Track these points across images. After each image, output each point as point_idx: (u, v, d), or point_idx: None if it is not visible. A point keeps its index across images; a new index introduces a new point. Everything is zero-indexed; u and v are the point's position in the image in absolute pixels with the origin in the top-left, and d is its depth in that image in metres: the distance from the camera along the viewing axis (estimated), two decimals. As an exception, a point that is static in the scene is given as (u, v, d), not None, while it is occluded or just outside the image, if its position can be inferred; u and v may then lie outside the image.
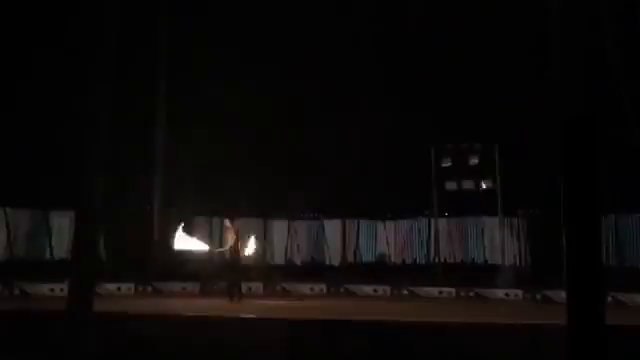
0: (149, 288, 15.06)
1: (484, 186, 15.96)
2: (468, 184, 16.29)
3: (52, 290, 13.12)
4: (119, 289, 14.51)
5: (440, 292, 15.53)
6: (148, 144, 16.49)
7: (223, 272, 13.41)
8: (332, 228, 18.06)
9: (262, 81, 16.05)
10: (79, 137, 5.99)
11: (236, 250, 12.73)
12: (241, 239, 12.90)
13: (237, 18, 16.27)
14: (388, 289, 15.96)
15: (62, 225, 15.67)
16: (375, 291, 16.00)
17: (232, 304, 12.03)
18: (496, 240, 16.45)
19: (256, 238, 13.82)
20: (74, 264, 5.75)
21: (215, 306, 11.57)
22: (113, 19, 5.98)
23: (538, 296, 14.39)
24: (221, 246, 13.39)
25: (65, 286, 5.76)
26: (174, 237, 12.61)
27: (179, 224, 12.78)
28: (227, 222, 13.21)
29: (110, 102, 5.98)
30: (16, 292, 13.40)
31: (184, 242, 12.65)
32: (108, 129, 6.00)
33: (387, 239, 17.84)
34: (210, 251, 13.76)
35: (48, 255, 15.69)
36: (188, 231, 13.04)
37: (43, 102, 14.49)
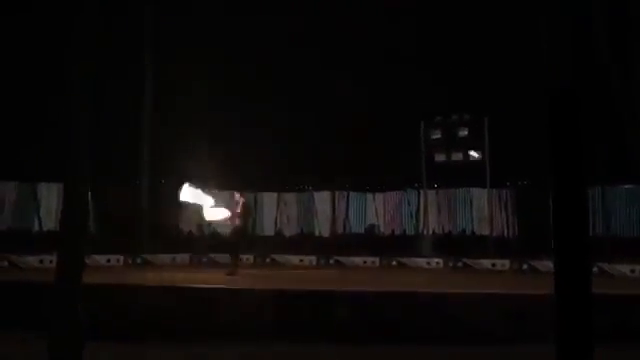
0: (138, 260, 15.06)
1: (475, 155, 16.01)
2: (457, 156, 16.35)
3: (41, 262, 13.09)
4: (108, 261, 14.51)
5: (428, 263, 15.68)
6: (136, 116, 16.34)
7: (228, 245, 12.72)
8: (322, 200, 18.09)
9: (248, 50, 15.90)
10: (66, 108, 5.90)
11: (243, 224, 12.41)
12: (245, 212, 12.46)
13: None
14: (377, 260, 16.09)
15: (50, 197, 15.60)
16: (364, 262, 16.12)
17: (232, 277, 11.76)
18: (484, 211, 16.57)
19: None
20: (62, 236, 5.70)
21: (207, 278, 11.58)
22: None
23: (525, 266, 14.57)
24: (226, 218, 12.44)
25: (54, 258, 5.73)
26: (180, 190, 12.07)
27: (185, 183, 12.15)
28: (237, 195, 12.64)
29: (95, 71, 5.89)
30: (5, 264, 13.36)
31: (190, 195, 12.13)
32: (95, 99, 5.91)
33: (376, 210, 17.90)
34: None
35: (36, 227, 15.64)
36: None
37: (28, 73, 14.28)
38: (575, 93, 4.02)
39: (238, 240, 12.44)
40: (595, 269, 12.53)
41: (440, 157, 16.58)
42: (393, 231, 17.88)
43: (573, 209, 3.98)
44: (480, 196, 16.79)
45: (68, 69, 5.75)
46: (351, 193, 18.05)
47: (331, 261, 16.22)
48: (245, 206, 12.48)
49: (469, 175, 16.55)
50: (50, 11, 11.85)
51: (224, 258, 15.90)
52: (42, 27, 13.97)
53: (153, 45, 16.40)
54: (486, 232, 16.43)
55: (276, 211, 18.09)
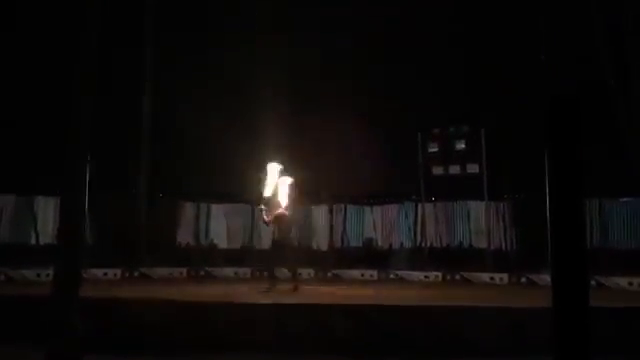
0: (136, 273, 15.01)
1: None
2: (454, 169, 16.37)
3: (38, 275, 13.04)
4: (105, 274, 14.45)
5: (426, 276, 15.65)
6: (134, 127, 16.36)
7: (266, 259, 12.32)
8: (319, 213, 18.08)
9: (247, 65, 15.98)
10: (64, 121, 5.92)
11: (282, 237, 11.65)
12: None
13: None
14: (375, 273, 16.07)
15: (47, 210, 15.58)
16: (362, 275, 16.10)
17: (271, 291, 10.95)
18: (482, 224, 16.57)
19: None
20: (59, 249, 5.70)
21: (213, 292, 11.48)
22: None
23: (523, 279, 14.56)
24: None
25: (51, 271, 5.72)
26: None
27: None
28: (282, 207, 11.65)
29: (95, 85, 5.92)
30: (1, 278, 13.29)
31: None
32: (93, 112, 5.94)
33: (374, 224, 17.90)
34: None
35: (33, 240, 15.59)
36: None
37: (27, 85, 14.32)
38: (575, 103, 4.04)
39: (278, 254, 11.80)
40: (593, 282, 12.52)
41: (437, 170, 16.61)
42: (391, 244, 17.88)
43: (571, 222, 3.99)
44: (478, 209, 16.80)
45: (68, 82, 5.77)
46: (348, 206, 18.05)
47: (329, 274, 16.19)
48: (284, 219, 11.81)
49: (467, 188, 16.57)
50: (52, 26, 11.93)
51: (221, 272, 15.95)
52: (38, 40, 14.04)
53: (152, 58, 16.48)
54: (484, 245, 16.42)
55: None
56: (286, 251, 11.86)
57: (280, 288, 11.18)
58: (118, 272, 14.77)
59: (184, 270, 15.77)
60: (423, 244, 17.14)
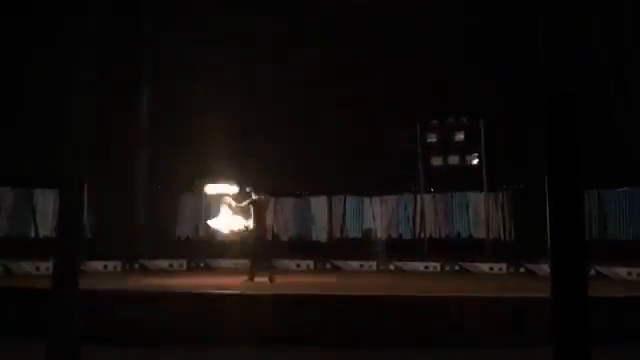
0: (135, 265, 15.02)
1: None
2: (454, 159, 16.38)
3: (37, 268, 13.05)
4: (105, 267, 14.46)
5: (426, 267, 15.69)
6: (133, 120, 16.32)
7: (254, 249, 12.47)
8: (318, 204, 18.07)
9: (244, 59, 15.95)
10: (63, 114, 5.91)
11: (263, 225, 12.25)
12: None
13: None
14: (374, 264, 16.10)
15: (46, 203, 15.56)
16: (361, 266, 16.12)
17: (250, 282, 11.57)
18: (481, 215, 16.58)
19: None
20: (59, 242, 5.70)
21: (205, 283, 11.55)
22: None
23: (522, 270, 14.60)
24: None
25: (51, 264, 5.72)
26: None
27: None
28: (254, 195, 12.25)
29: (94, 79, 5.90)
30: (1, 270, 13.31)
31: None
32: (92, 105, 5.92)
33: (373, 215, 17.90)
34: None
35: (33, 233, 15.59)
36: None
37: (26, 78, 14.26)
38: (573, 96, 4.03)
39: (257, 244, 12.27)
40: (592, 272, 12.56)
41: (437, 161, 16.62)
42: (390, 235, 17.87)
43: (569, 212, 3.99)
44: (477, 199, 16.80)
45: (66, 74, 5.75)
46: (348, 197, 18.04)
47: (328, 265, 16.21)
48: (260, 205, 12.26)
49: (466, 178, 16.57)
50: (49, 20, 11.86)
51: (221, 263, 15.99)
52: (39, 32, 13.96)
53: (152, 52, 16.42)
54: (483, 235, 16.44)
55: (273, 216, 18.01)
56: (263, 244, 12.30)
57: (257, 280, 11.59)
58: (118, 264, 14.79)
59: (184, 262, 15.80)
60: (422, 235, 17.14)
